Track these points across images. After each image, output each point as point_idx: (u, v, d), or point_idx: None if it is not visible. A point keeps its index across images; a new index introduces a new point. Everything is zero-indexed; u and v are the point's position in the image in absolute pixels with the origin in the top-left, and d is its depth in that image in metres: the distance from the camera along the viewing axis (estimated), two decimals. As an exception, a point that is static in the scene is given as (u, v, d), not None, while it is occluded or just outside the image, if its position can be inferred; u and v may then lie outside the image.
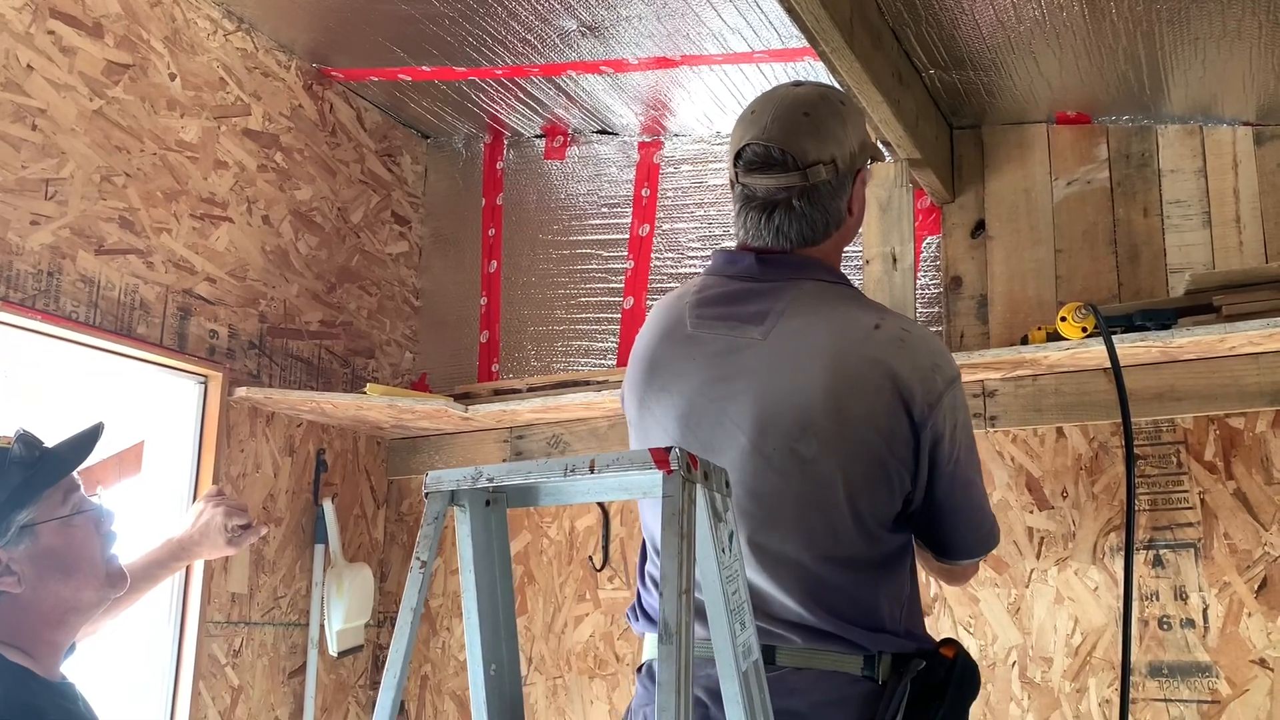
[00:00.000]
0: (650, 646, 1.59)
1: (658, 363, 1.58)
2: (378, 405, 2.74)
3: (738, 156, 1.55)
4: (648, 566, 1.61)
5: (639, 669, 1.58)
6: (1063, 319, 2.20)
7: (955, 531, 1.57)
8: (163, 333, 2.53)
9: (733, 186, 1.59)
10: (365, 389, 2.77)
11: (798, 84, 1.60)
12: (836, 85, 1.79)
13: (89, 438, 1.68)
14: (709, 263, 1.64)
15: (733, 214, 1.61)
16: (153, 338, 2.50)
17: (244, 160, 2.79)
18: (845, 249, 1.67)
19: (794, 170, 1.51)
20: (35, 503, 1.58)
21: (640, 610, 1.61)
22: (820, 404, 1.44)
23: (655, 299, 3.00)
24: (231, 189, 2.74)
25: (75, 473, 1.67)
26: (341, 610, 2.78)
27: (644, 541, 1.65)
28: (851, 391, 1.44)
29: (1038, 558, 2.37)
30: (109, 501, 1.71)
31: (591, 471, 1.27)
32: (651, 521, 1.59)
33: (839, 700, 1.41)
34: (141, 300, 2.49)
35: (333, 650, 2.78)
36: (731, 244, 1.68)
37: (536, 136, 3.28)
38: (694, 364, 1.53)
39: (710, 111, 2.90)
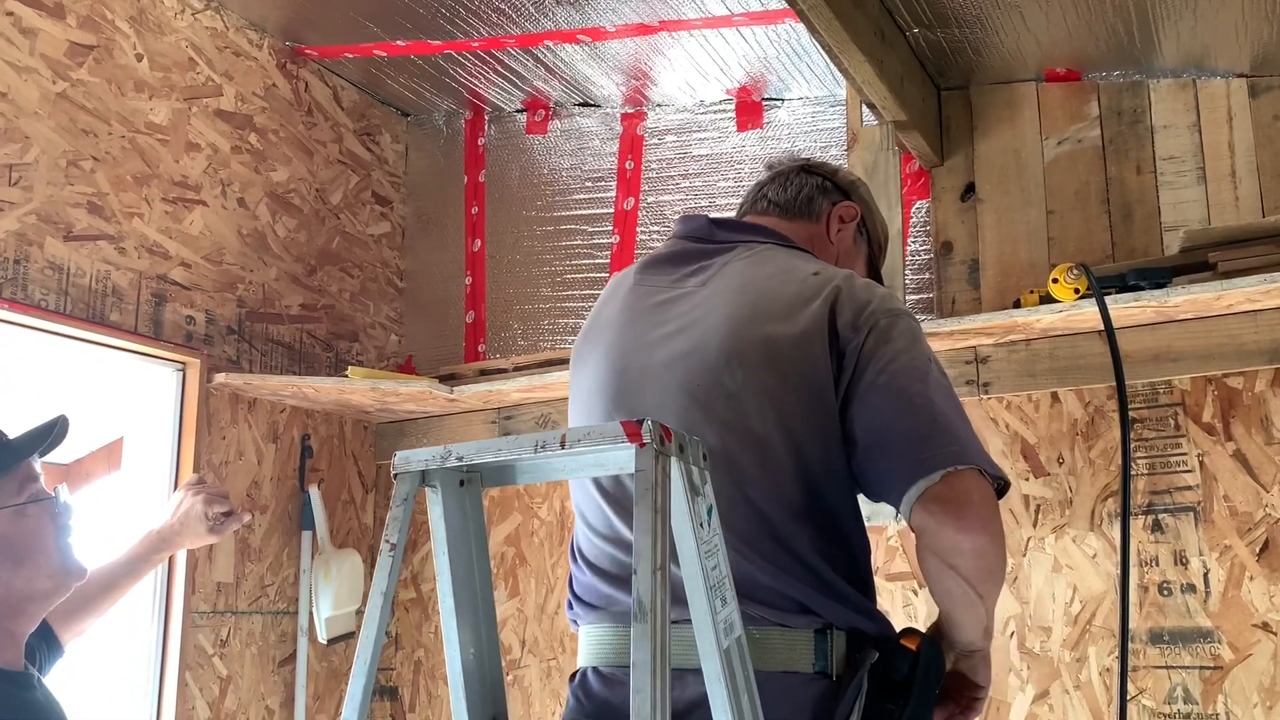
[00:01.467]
0: (587, 644, 1.40)
1: (596, 319, 1.53)
2: (361, 389, 2.70)
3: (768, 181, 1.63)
4: (579, 543, 1.47)
5: (571, 677, 1.40)
6: (1054, 281, 2.15)
7: (888, 454, 1.27)
8: (137, 320, 2.48)
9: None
10: (347, 372, 2.73)
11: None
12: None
13: (48, 430, 1.64)
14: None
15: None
16: (127, 325, 2.45)
17: (217, 142, 2.73)
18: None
19: (817, 176, 1.61)
20: None
21: (573, 596, 1.45)
22: (745, 334, 1.32)
23: (641, 273, 2.95)
24: (205, 171, 2.69)
25: (37, 465, 1.63)
26: (330, 597, 2.74)
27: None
28: (780, 320, 1.32)
29: (1034, 526, 2.32)
30: (68, 497, 1.67)
31: (563, 447, 1.22)
32: (577, 492, 1.47)
33: (792, 709, 1.24)
34: (114, 287, 2.43)
35: (322, 638, 2.74)
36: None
37: (517, 111, 3.22)
38: (628, 315, 1.46)
39: (692, 79, 2.84)
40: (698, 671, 1.18)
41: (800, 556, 1.28)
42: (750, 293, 1.37)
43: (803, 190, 1.58)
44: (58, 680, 1.82)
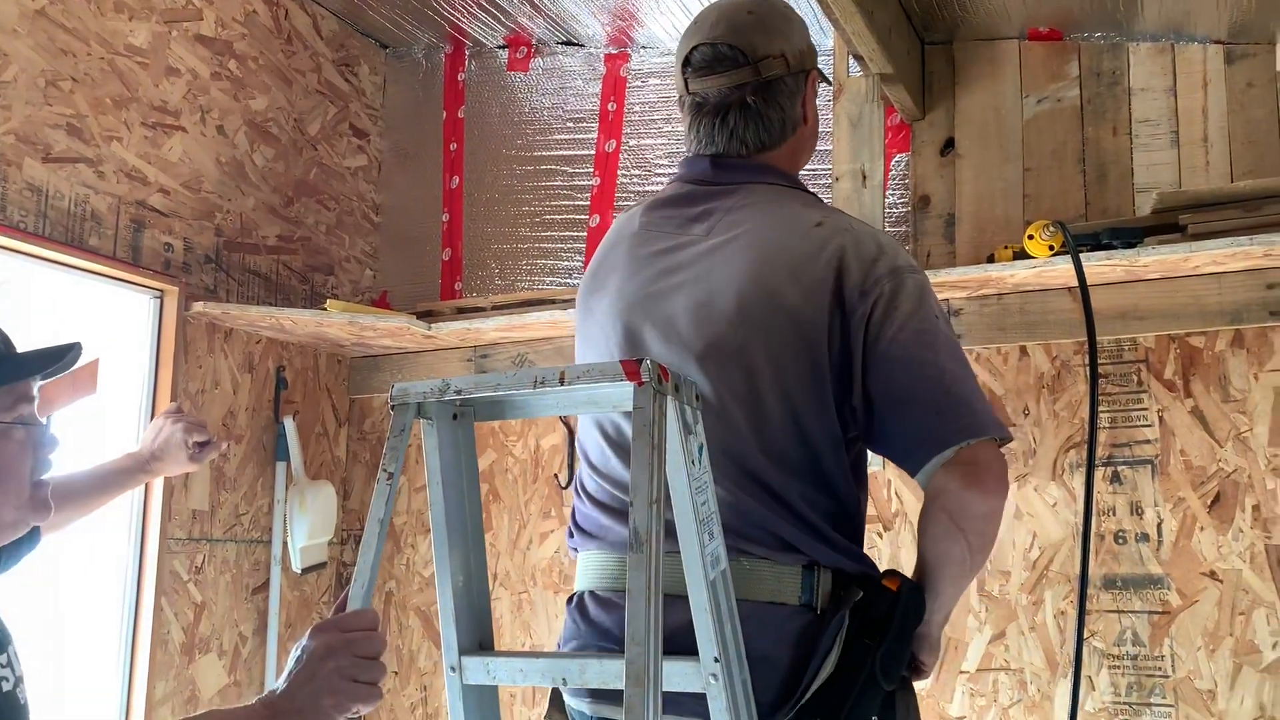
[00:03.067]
0: (585, 569, 1.47)
1: (602, 264, 1.56)
2: (338, 322, 2.70)
3: (686, 63, 1.51)
4: (582, 479, 1.54)
5: (569, 599, 1.48)
6: (1030, 237, 2.20)
7: (905, 426, 1.34)
8: (116, 245, 2.46)
9: (681, 103, 1.55)
10: (325, 305, 2.73)
11: None
12: None
13: (60, 353, 1.56)
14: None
15: (684, 130, 1.56)
16: (105, 250, 2.43)
17: (196, 68, 2.69)
18: (806, 166, 1.62)
19: (745, 65, 1.47)
20: None
21: (574, 526, 1.52)
22: (751, 292, 1.37)
23: (621, 216, 2.96)
24: (184, 97, 2.65)
25: (36, 386, 1.58)
26: (305, 527, 2.77)
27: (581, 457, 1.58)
28: (786, 280, 1.37)
29: (998, 474, 2.39)
30: (58, 431, 1.61)
31: (561, 384, 1.25)
32: (583, 433, 1.54)
33: (777, 639, 1.31)
34: (93, 211, 2.41)
35: (296, 567, 2.77)
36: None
37: (499, 47, 3.19)
38: (635, 263, 1.49)
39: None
40: (683, 598, 1.25)
41: (790, 504, 1.35)
42: (756, 247, 1.40)
43: (775, 116, 1.50)
44: (28, 574, 1.79)
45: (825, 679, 1.30)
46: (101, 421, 2.60)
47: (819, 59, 1.60)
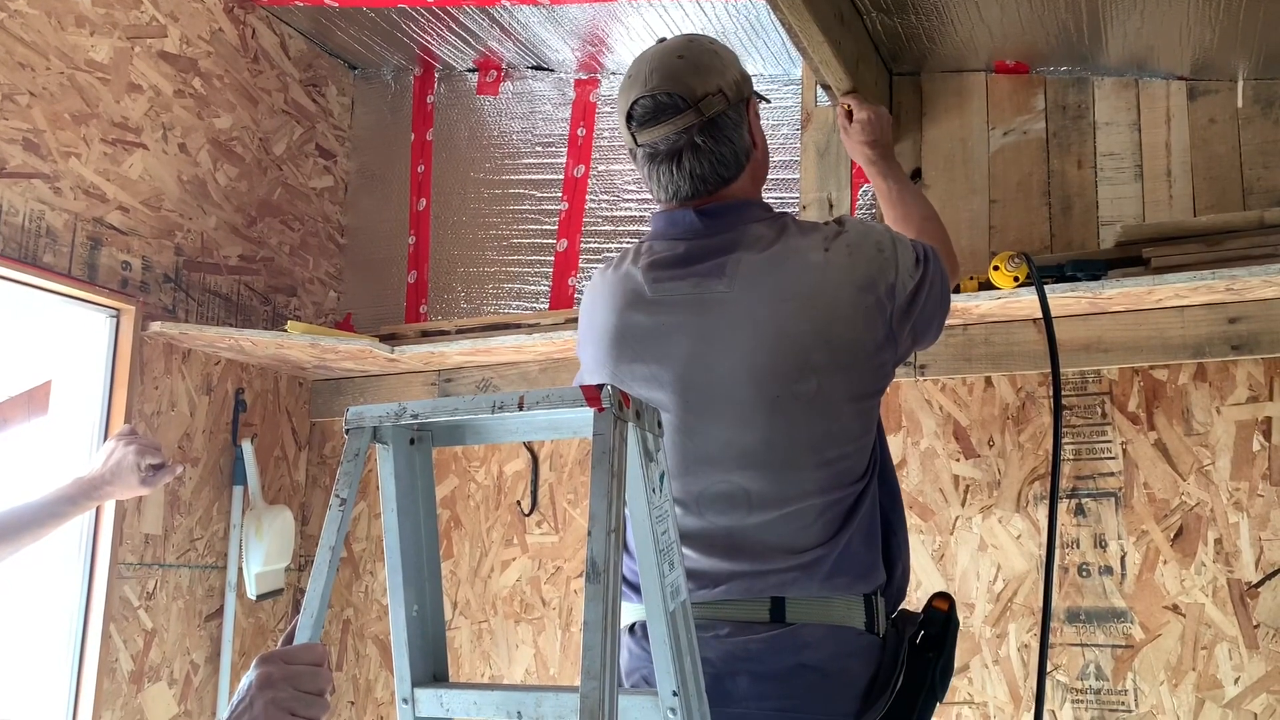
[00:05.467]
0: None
1: (625, 334, 1.58)
2: (299, 344, 2.66)
3: (629, 118, 1.59)
4: None
5: (630, 627, 1.58)
6: (995, 268, 2.20)
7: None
8: (71, 262, 2.41)
9: (633, 155, 1.62)
10: (286, 327, 2.69)
11: (662, 40, 1.65)
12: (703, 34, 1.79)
13: None
14: (649, 228, 1.67)
15: (643, 179, 1.63)
16: (60, 267, 2.39)
17: (159, 84, 2.65)
18: (777, 195, 1.70)
19: (687, 109, 1.54)
20: None
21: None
22: (809, 342, 1.49)
23: (590, 242, 2.95)
24: (146, 114, 2.61)
25: None
26: (261, 553, 2.71)
27: None
28: (831, 321, 1.50)
29: (963, 505, 2.39)
30: None
31: (520, 409, 1.23)
32: None
33: (850, 652, 1.48)
34: (48, 227, 2.36)
35: (251, 594, 2.71)
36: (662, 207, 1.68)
37: (469, 70, 3.18)
38: (666, 328, 1.55)
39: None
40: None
41: (854, 551, 1.52)
42: (792, 298, 1.51)
43: (727, 150, 1.58)
44: None
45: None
46: (54, 442, 2.54)
47: (787, 88, 1.67)
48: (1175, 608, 2.19)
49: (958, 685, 2.32)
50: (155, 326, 2.54)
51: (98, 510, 2.44)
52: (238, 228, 2.86)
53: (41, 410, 2.64)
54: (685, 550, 1.52)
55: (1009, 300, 2.22)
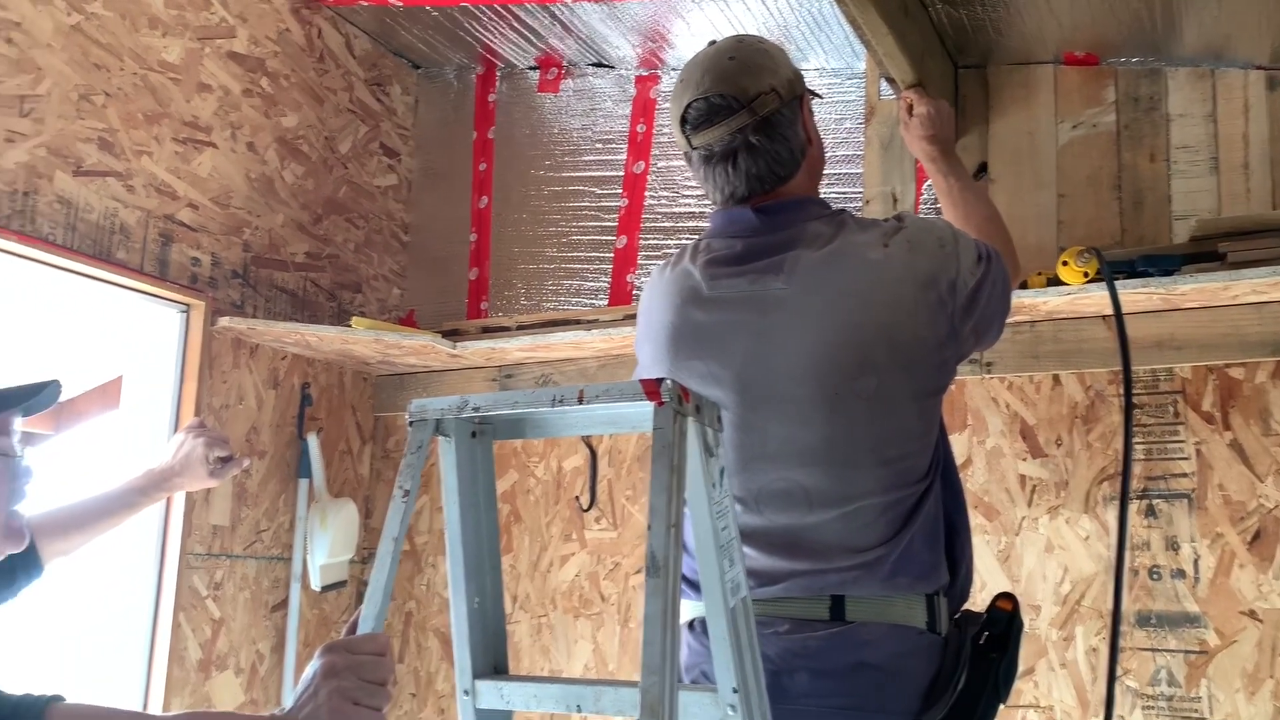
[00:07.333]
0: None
1: (683, 331, 1.58)
2: (364, 339, 2.69)
3: (683, 122, 1.58)
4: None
5: (690, 624, 1.57)
6: (1064, 263, 2.16)
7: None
8: (144, 259, 2.47)
9: (688, 159, 1.62)
10: (351, 323, 2.72)
11: (712, 42, 1.64)
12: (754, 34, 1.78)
13: (37, 390, 1.61)
14: (707, 226, 1.66)
15: (699, 182, 1.62)
16: (133, 263, 2.44)
17: (228, 84, 2.70)
18: (837, 190, 1.68)
19: (741, 109, 1.53)
20: None
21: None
22: (869, 339, 1.48)
23: (649, 238, 2.94)
24: (215, 113, 2.67)
25: (16, 421, 1.61)
26: (325, 545, 2.75)
27: None
28: (892, 318, 1.49)
29: (1029, 505, 2.34)
30: (35, 461, 1.64)
31: (580, 402, 1.23)
32: None
33: (911, 650, 1.47)
34: (122, 224, 2.42)
35: (316, 585, 2.75)
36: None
37: (530, 68, 3.20)
38: (724, 326, 1.54)
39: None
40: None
41: (915, 551, 1.50)
42: (851, 295, 1.49)
43: (782, 148, 1.57)
44: (31, 603, 1.80)
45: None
46: (125, 435, 2.61)
47: (850, 81, 1.65)
48: (1252, 613, 2.12)
49: (1023, 688, 2.27)
50: (224, 322, 2.59)
51: (168, 501, 2.50)
52: (304, 225, 2.90)
53: (114, 404, 2.70)
54: (744, 548, 1.51)
55: (1078, 296, 2.17)
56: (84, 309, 2.61)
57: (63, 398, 1.70)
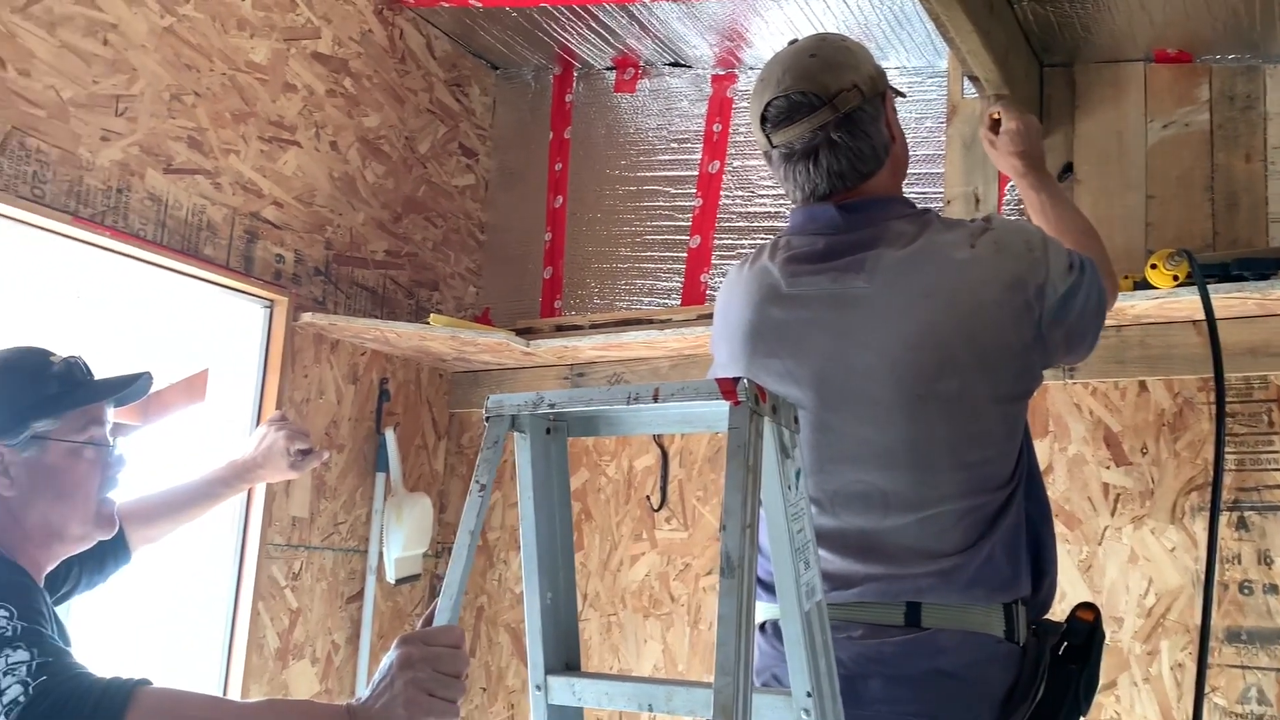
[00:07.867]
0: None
1: (761, 329, 1.57)
2: (440, 336, 2.73)
3: (763, 120, 1.56)
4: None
5: (761, 626, 1.56)
6: (1153, 266, 2.09)
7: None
8: (229, 255, 2.53)
9: (768, 157, 1.60)
10: (429, 320, 2.76)
11: (793, 41, 1.62)
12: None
13: (129, 381, 1.67)
14: (786, 224, 1.64)
15: (779, 181, 1.60)
16: (219, 259, 2.50)
17: (313, 84, 2.76)
18: (918, 190, 1.64)
19: (823, 106, 1.51)
20: (57, 418, 1.58)
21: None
22: (952, 340, 1.45)
23: (723, 238, 2.93)
24: (300, 113, 2.72)
25: (109, 410, 1.66)
26: (400, 538, 2.79)
27: None
28: (976, 319, 1.45)
29: (1112, 515, 2.28)
30: (126, 450, 1.70)
31: (655, 400, 1.22)
32: None
33: (988, 659, 1.44)
34: (209, 221, 2.49)
35: (391, 578, 2.79)
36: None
37: (607, 69, 3.20)
38: (803, 324, 1.52)
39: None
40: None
41: (995, 561, 1.47)
42: (934, 295, 1.46)
43: (865, 146, 1.54)
44: (119, 589, 1.85)
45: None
46: (210, 427, 2.67)
47: (931, 80, 1.62)
48: (1348, 632, 2.04)
49: (1104, 701, 2.21)
50: (306, 317, 2.64)
51: (249, 493, 2.55)
52: (384, 223, 2.95)
53: (199, 396, 2.77)
54: (819, 550, 1.49)
55: (1167, 300, 2.11)
56: (172, 304, 2.69)
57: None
